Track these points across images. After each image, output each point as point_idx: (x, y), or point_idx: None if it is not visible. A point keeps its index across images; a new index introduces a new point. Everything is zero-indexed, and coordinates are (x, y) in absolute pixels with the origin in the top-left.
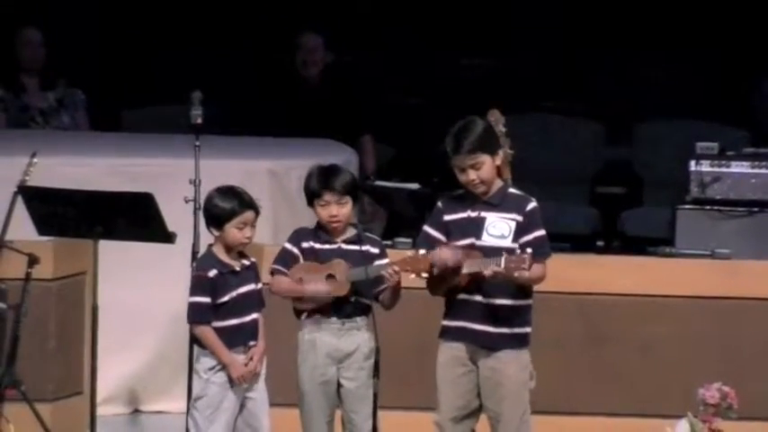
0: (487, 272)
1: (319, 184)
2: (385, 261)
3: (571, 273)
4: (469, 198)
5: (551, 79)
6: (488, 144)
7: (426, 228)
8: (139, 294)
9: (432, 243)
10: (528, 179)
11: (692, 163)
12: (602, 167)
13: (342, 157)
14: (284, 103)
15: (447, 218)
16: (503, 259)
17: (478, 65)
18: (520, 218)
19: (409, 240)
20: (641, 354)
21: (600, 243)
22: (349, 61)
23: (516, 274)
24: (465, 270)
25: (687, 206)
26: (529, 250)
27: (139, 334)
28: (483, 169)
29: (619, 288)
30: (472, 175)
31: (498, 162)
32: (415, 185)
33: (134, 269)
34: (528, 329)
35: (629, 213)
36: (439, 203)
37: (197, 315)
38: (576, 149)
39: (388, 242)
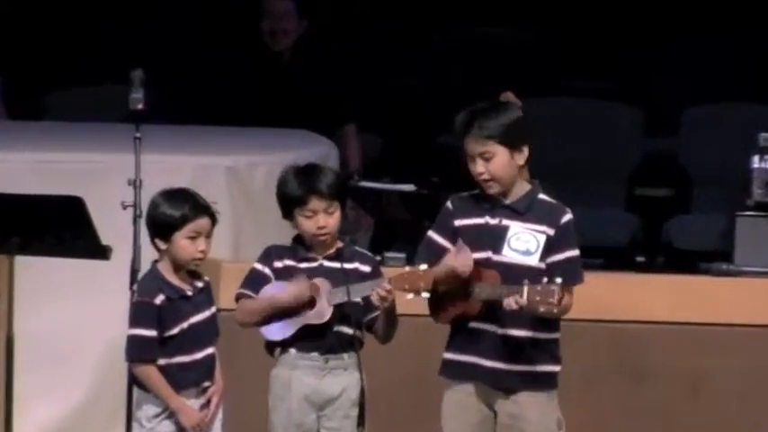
0: (505, 303)
1: (302, 188)
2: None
3: (604, 295)
4: (488, 201)
5: (579, 54)
6: (510, 135)
7: (431, 233)
8: (66, 323)
9: (437, 253)
10: (549, 177)
11: (755, 158)
12: (642, 163)
13: (318, 151)
14: (247, 84)
15: (458, 223)
16: (525, 289)
17: (489, 36)
18: (551, 231)
19: (402, 255)
20: (691, 395)
21: (640, 258)
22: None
23: (543, 310)
24: (477, 296)
25: (748, 212)
26: (558, 280)
27: (66, 372)
28: (494, 163)
29: (663, 314)
30: (480, 166)
31: (521, 162)
32: (409, 186)
33: (59, 292)
34: (555, 368)
35: (675, 221)
36: (449, 204)
37: (139, 352)
38: (609, 140)
39: (377, 258)
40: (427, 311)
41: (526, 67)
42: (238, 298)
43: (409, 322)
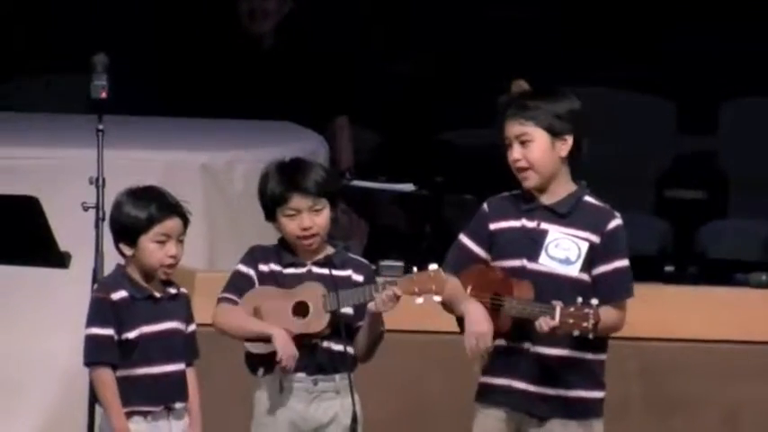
0: (537, 324)
1: (283, 184)
2: None
3: (629, 310)
4: (527, 202)
5: (604, 39)
6: (552, 120)
7: (463, 237)
8: (19, 342)
9: (468, 260)
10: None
11: None
12: (674, 162)
13: (306, 146)
14: (225, 71)
15: (493, 226)
16: (557, 311)
17: (500, 18)
18: (596, 238)
19: (400, 264)
20: (728, 424)
21: (670, 268)
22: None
23: (577, 334)
24: (507, 312)
25: None
26: (594, 301)
27: (19, 397)
28: (532, 148)
29: (696, 332)
30: (517, 152)
31: (563, 153)
32: (408, 186)
33: (11, 306)
34: (598, 394)
35: (710, 227)
36: (485, 205)
37: (95, 352)
38: (638, 137)
39: (372, 267)
40: (425, 327)
41: (540, 53)
42: (219, 302)
43: (407, 340)
